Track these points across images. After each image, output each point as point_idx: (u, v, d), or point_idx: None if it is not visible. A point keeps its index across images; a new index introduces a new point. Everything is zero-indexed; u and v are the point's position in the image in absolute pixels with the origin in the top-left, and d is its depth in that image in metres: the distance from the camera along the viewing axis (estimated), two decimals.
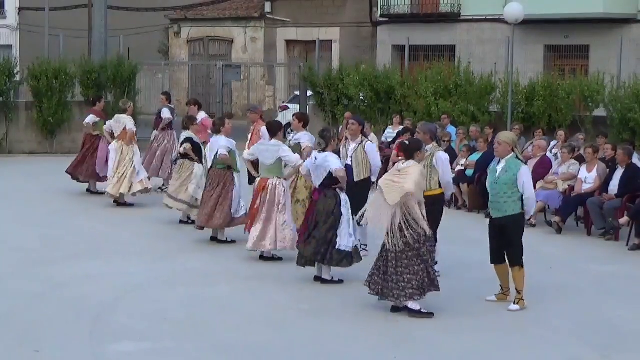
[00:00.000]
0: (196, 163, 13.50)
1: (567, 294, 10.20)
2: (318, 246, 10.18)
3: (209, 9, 38.03)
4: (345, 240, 10.22)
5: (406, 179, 9.03)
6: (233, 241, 12.38)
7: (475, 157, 16.09)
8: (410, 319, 9.02)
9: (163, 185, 16.70)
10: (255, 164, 11.74)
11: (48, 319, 8.83)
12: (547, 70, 25.56)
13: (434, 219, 9.84)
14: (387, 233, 9.06)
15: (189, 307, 9.36)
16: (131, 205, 15.27)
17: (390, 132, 19.75)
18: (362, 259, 10.41)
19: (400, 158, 17.48)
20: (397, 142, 18.21)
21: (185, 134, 13.61)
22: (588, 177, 13.90)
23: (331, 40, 33.18)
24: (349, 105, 22.29)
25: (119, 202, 15.23)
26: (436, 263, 9.48)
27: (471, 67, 21.00)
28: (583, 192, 13.82)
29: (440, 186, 10.33)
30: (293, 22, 34.58)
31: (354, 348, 8.22)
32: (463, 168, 15.98)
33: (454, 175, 15.57)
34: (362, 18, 32.91)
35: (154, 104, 17.92)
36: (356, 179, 11.34)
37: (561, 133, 16.54)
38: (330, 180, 10.27)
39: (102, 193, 15.57)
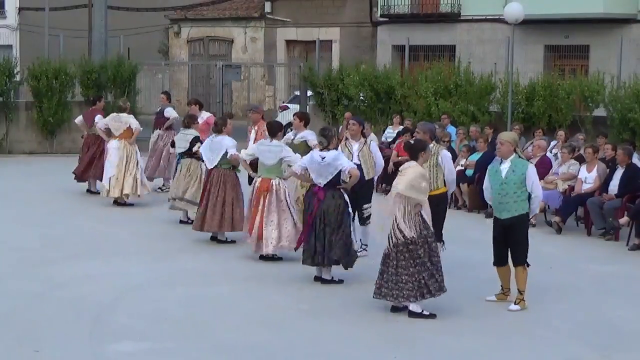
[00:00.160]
0: (201, 163, 13.47)
1: (567, 294, 10.20)
2: (339, 249, 10.18)
3: (209, 9, 38.03)
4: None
5: (400, 180, 9.03)
6: (233, 241, 12.37)
7: (475, 157, 16.10)
8: (410, 319, 9.01)
9: (163, 185, 16.71)
10: (252, 164, 11.73)
11: (48, 319, 8.83)
12: (547, 70, 25.56)
13: (440, 218, 9.85)
14: (389, 235, 9.07)
15: (188, 307, 9.36)
16: (131, 205, 15.27)
17: (390, 132, 19.75)
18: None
19: (400, 158, 17.60)
20: (397, 142, 18.25)
21: (190, 133, 13.52)
22: (588, 177, 13.90)
23: (331, 40, 33.18)
24: (349, 105, 22.29)
25: (119, 202, 15.22)
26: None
27: (471, 67, 21.00)
28: (583, 192, 13.83)
29: (444, 184, 10.34)
30: (293, 22, 34.58)
31: (354, 348, 8.22)
32: (463, 168, 15.98)
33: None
34: (362, 18, 32.91)
35: (154, 104, 17.92)
36: (366, 178, 11.35)
37: (561, 133, 16.54)
38: (336, 179, 10.28)
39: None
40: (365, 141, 11.64)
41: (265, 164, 11.37)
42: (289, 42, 35.22)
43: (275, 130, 11.48)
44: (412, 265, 8.94)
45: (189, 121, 13.76)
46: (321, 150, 10.38)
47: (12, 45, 38.10)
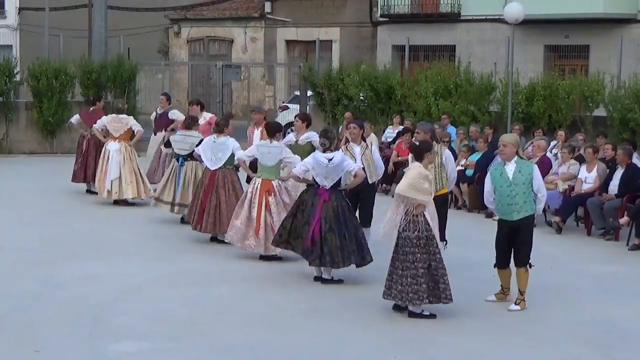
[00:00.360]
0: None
1: (567, 294, 10.20)
2: (349, 251, 10.20)
3: (209, 9, 38.03)
4: None
5: (402, 181, 9.03)
6: None
7: (475, 157, 16.11)
8: (410, 319, 9.02)
9: None
10: (250, 164, 11.74)
11: (48, 319, 8.82)
12: (547, 70, 25.55)
13: (443, 218, 9.87)
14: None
15: (188, 307, 9.36)
16: (132, 205, 15.27)
17: (390, 132, 19.76)
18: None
19: (400, 158, 17.60)
20: (397, 142, 18.26)
21: (193, 135, 13.43)
22: (588, 177, 13.90)
23: (331, 40, 33.19)
24: (349, 105, 22.29)
25: (119, 202, 15.24)
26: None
27: (471, 67, 21.01)
28: (583, 192, 13.83)
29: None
30: (293, 22, 34.58)
31: (354, 348, 8.22)
32: (463, 168, 15.98)
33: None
34: (362, 18, 32.91)
35: (154, 104, 17.89)
36: (369, 182, 11.33)
37: (561, 133, 16.54)
38: (339, 181, 10.30)
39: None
40: (367, 145, 11.64)
41: (265, 165, 11.36)
42: (289, 42, 35.22)
43: (274, 131, 11.48)
44: (413, 268, 8.92)
45: (190, 123, 13.67)
46: (323, 152, 10.37)
47: (12, 45, 38.10)
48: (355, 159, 11.25)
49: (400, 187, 8.95)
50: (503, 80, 20.01)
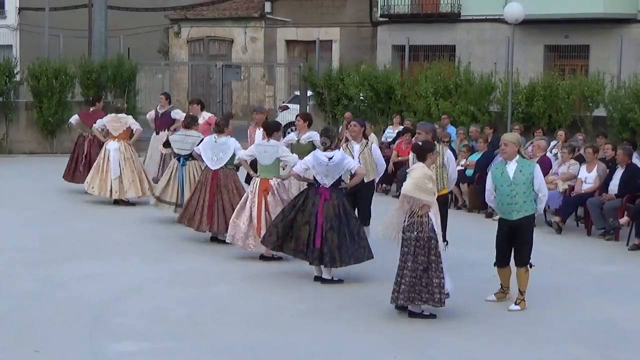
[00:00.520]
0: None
1: (567, 294, 10.20)
2: (351, 248, 10.21)
3: (209, 9, 38.01)
4: None
5: (406, 181, 9.02)
6: None
7: (475, 157, 16.11)
8: (410, 319, 9.02)
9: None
10: (251, 164, 11.75)
11: (48, 319, 8.82)
12: (547, 70, 25.55)
13: (443, 219, 9.87)
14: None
15: (188, 307, 9.36)
16: (132, 205, 15.28)
17: (390, 132, 19.75)
18: None
19: (400, 158, 17.60)
20: (397, 142, 18.26)
21: (193, 135, 13.43)
22: (588, 177, 13.90)
23: (331, 40, 33.18)
24: (349, 105, 22.30)
25: (120, 202, 15.26)
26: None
27: (471, 67, 21.01)
28: (583, 192, 13.82)
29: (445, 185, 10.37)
30: (293, 22, 34.58)
31: (354, 348, 8.22)
32: (463, 168, 15.98)
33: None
34: (362, 18, 32.91)
35: (154, 104, 17.88)
36: (366, 180, 11.33)
37: (561, 133, 16.54)
38: (339, 180, 10.31)
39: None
40: (367, 143, 11.64)
41: (263, 164, 11.39)
42: (289, 42, 35.22)
43: (272, 130, 11.49)
44: (412, 269, 8.91)
45: (190, 122, 13.68)
46: (324, 150, 10.38)
47: (12, 45, 38.07)
48: (354, 157, 11.26)
49: (406, 188, 8.93)
50: (503, 80, 20.01)
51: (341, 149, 11.20)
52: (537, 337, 8.64)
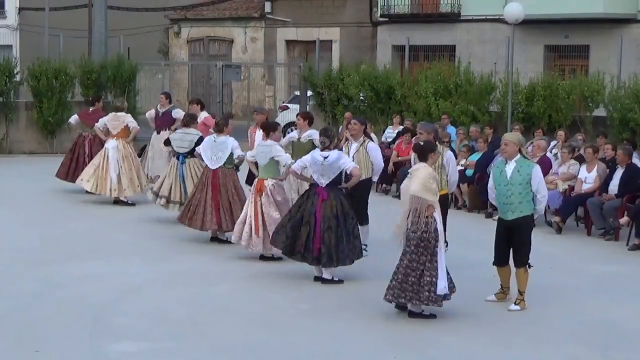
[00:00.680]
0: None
1: (567, 294, 10.20)
2: (346, 250, 10.21)
3: (209, 9, 38.02)
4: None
5: (412, 181, 9.00)
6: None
7: (475, 157, 16.11)
8: (410, 319, 9.02)
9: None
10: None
11: (48, 319, 8.83)
12: (547, 70, 25.55)
13: (443, 220, 9.85)
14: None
15: (188, 307, 9.36)
16: (132, 204, 15.29)
17: (390, 132, 19.75)
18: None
19: (400, 158, 17.60)
20: (397, 142, 18.25)
21: (192, 133, 13.43)
22: (588, 177, 13.90)
23: (331, 40, 33.18)
24: (349, 105, 22.29)
25: (120, 201, 15.28)
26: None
27: (471, 67, 21.01)
28: (583, 192, 13.82)
29: (446, 186, 10.35)
30: (293, 22, 34.58)
31: (354, 348, 8.22)
32: (463, 168, 15.97)
33: None
34: (362, 18, 32.91)
35: (154, 104, 17.88)
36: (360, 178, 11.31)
37: (561, 133, 16.54)
38: (338, 179, 10.30)
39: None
40: (363, 141, 11.63)
41: (260, 164, 11.44)
42: (289, 42, 35.22)
43: (268, 129, 11.52)
44: (412, 268, 8.91)
45: (189, 120, 13.68)
46: (322, 150, 10.39)
47: (12, 45, 38.08)
48: (349, 156, 11.26)
49: (414, 188, 8.91)
50: (503, 80, 20.01)
51: (343, 148, 11.22)
52: (537, 337, 8.64)
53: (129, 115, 15.68)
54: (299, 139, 12.38)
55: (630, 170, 13.41)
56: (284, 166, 11.28)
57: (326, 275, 10.40)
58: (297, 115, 13.08)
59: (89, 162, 16.12)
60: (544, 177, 14.31)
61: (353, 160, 11.23)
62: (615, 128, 17.58)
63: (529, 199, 9.37)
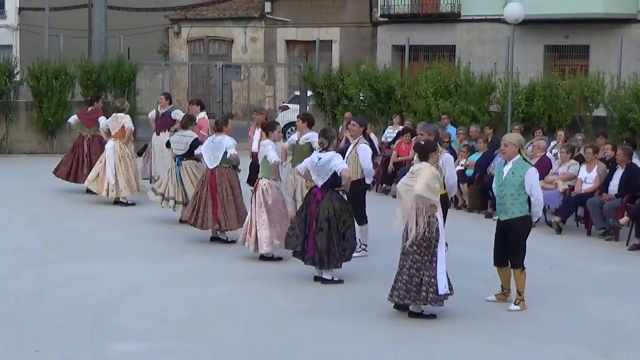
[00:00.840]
0: (202, 163, 13.49)
1: (567, 294, 10.20)
2: (327, 253, 10.21)
3: (209, 9, 38.02)
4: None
5: (416, 181, 8.99)
6: (233, 241, 12.36)
7: (475, 157, 16.10)
8: (410, 319, 9.02)
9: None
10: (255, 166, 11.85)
11: (48, 319, 8.83)
12: (547, 70, 25.55)
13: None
14: (402, 234, 9.07)
15: (188, 307, 9.36)
16: (132, 205, 15.29)
17: (390, 132, 19.75)
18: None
19: (400, 158, 17.60)
20: (397, 142, 18.26)
21: (188, 135, 13.46)
22: (588, 177, 13.90)
23: (331, 40, 33.18)
24: (349, 105, 22.29)
25: (120, 201, 15.29)
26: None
27: (471, 67, 21.00)
28: (583, 192, 13.82)
29: (444, 187, 10.33)
30: (293, 22, 34.59)
31: (354, 348, 8.22)
32: (463, 168, 15.98)
33: None
34: (362, 18, 32.92)
35: (154, 104, 17.88)
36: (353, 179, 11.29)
37: (561, 133, 16.53)
38: (334, 180, 10.30)
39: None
40: (357, 143, 11.60)
41: (260, 163, 11.54)
42: (289, 42, 35.23)
43: (267, 129, 11.60)
44: (414, 268, 8.91)
45: (187, 122, 13.66)
46: (321, 151, 10.41)
47: (12, 45, 38.10)
48: (344, 157, 11.27)
49: (419, 188, 8.90)
50: (503, 80, 20.00)
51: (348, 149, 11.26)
52: (537, 337, 8.64)
53: (127, 115, 15.65)
54: (297, 141, 12.38)
55: (630, 170, 13.42)
56: (272, 164, 11.28)
57: (326, 275, 10.40)
58: (297, 117, 13.09)
59: (87, 162, 16.17)
60: (544, 177, 14.45)
61: (346, 160, 11.22)
62: (615, 128, 17.58)
63: (522, 201, 9.33)
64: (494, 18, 27.54)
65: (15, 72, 23.03)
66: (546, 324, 9.02)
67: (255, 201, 11.30)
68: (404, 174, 9.47)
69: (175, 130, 15.43)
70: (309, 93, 24.36)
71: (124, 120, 15.49)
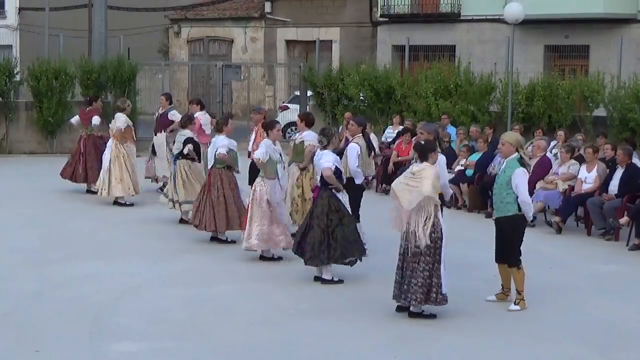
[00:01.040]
0: (197, 163, 13.53)
1: (567, 294, 10.20)
2: (316, 251, 10.22)
3: (209, 9, 38.02)
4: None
5: (422, 182, 8.98)
6: (233, 241, 12.38)
7: (475, 157, 16.10)
8: (410, 319, 9.02)
9: (164, 185, 16.68)
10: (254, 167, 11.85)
11: (48, 319, 8.83)
12: (547, 70, 25.56)
13: None
14: (402, 236, 9.05)
15: (188, 307, 9.36)
16: (131, 205, 15.29)
17: (390, 132, 19.75)
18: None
19: (400, 158, 17.59)
20: (397, 142, 18.25)
21: (184, 133, 13.50)
22: (588, 177, 13.90)
23: (331, 40, 33.18)
24: (349, 105, 22.30)
25: (119, 202, 15.29)
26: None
27: (471, 67, 21.00)
28: (583, 192, 13.82)
29: None
30: (293, 22, 34.58)
31: (354, 348, 8.22)
32: (463, 168, 15.99)
33: (453, 175, 15.62)
34: (362, 18, 32.92)
35: (154, 104, 17.88)
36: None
37: (561, 133, 16.53)
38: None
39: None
40: (348, 142, 11.65)
41: None
42: (289, 42, 35.22)
43: (266, 128, 11.62)
44: (419, 269, 8.91)
45: (186, 122, 13.67)
46: (321, 149, 10.46)
47: (12, 45, 38.10)
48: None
49: (427, 189, 8.89)
50: (503, 80, 20.01)
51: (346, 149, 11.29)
52: (537, 336, 8.64)
53: (122, 115, 15.57)
54: (294, 140, 12.42)
55: (630, 170, 13.41)
56: (257, 159, 11.21)
57: (326, 275, 10.41)
58: (297, 117, 13.11)
59: (82, 161, 16.21)
60: (544, 177, 14.46)
61: (342, 161, 11.23)
62: (615, 128, 17.58)
63: (511, 200, 9.30)
64: (494, 18, 27.53)
65: (15, 72, 23.04)
66: (546, 324, 9.02)
67: (251, 199, 11.37)
68: (413, 174, 9.44)
69: (172, 131, 15.54)
70: (309, 93, 24.37)
71: (118, 119, 15.47)
